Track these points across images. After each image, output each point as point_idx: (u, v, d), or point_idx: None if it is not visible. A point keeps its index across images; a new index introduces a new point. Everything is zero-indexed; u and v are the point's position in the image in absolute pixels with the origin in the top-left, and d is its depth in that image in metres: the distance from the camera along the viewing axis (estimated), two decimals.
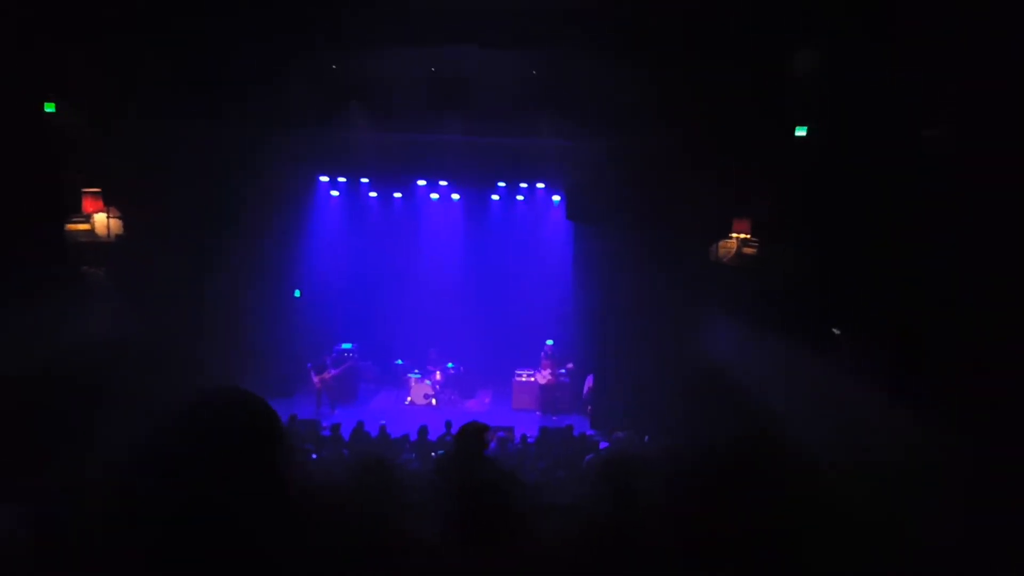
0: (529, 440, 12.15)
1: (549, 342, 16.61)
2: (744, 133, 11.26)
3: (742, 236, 12.59)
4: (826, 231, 9.41)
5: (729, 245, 12.85)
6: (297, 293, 17.65)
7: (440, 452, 11.03)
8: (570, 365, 16.92)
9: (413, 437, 11.89)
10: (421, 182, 18.24)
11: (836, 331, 9.19)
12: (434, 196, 18.66)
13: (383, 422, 12.61)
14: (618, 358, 14.41)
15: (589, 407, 15.80)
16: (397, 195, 18.72)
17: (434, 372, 17.32)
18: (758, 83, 10.72)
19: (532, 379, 16.89)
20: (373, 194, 18.64)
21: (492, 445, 11.43)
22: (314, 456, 9.85)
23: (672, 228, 13.08)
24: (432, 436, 11.88)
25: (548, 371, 16.43)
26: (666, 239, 13.21)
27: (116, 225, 10.78)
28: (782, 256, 10.81)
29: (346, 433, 12.01)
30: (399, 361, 18.21)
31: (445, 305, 18.64)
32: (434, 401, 16.92)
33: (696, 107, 11.61)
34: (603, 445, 11.37)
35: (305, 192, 17.48)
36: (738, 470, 2.16)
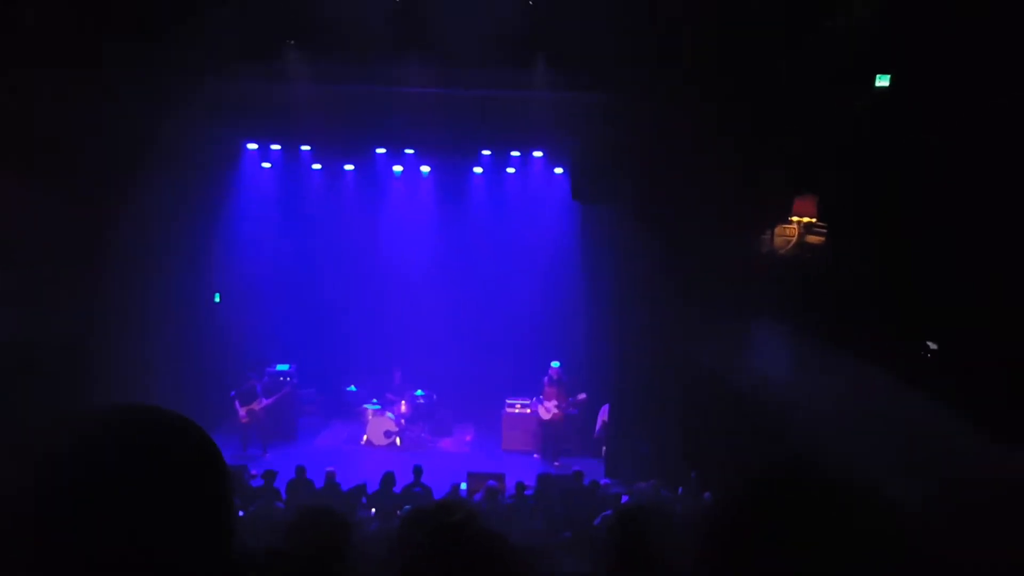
0: (526, 491, 12.19)
1: (555, 364, 16.62)
2: (803, 89, 11.36)
3: (805, 220, 12.69)
4: (917, 218, 9.52)
5: (788, 232, 12.95)
6: (217, 297, 17.63)
7: (407, 508, 11.05)
8: (582, 396, 16.87)
9: (372, 488, 11.91)
10: (380, 150, 18.28)
11: (932, 346, 9.29)
12: (397, 169, 18.68)
13: (331, 468, 12.60)
14: (642, 383, 14.49)
15: (603, 448, 15.86)
16: (349, 167, 18.75)
17: (398, 402, 17.35)
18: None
19: (528, 411, 16.93)
20: (317, 166, 18.67)
21: (477, 496, 11.52)
22: (240, 513, 9.87)
23: (713, 211, 13.16)
24: (397, 487, 11.90)
25: (554, 402, 16.43)
26: (704, 226, 13.28)
27: None
28: (857, 248, 10.91)
29: (282, 482, 12.01)
30: (352, 388, 18.23)
31: (413, 313, 18.68)
32: (398, 440, 16.94)
33: (741, 54, 11.71)
34: (624, 499, 11.42)
35: (227, 163, 17.47)
36: (800, 540, 2.23)
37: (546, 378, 16.63)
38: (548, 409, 16.50)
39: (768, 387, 11.85)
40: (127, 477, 1.24)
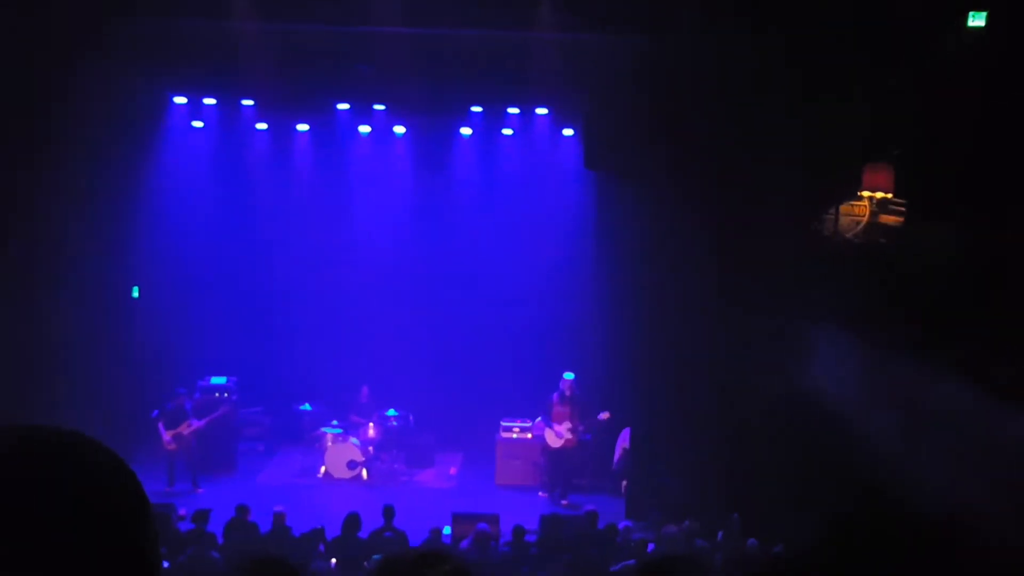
0: (526, 537, 12.22)
1: (568, 376, 16.61)
2: (883, 26, 11.38)
3: (879, 196, 12.73)
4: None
5: (857, 211, 12.99)
6: (135, 292, 17.60)
7: (376, 558, 11.08)
8: (605, 414, 16.87)
9: (332, 532, 11.92)
10: (342, 106, 18.28)
11: None
12: (364, 129, 18.68)
13: (279, 508, 12.64)
14: (672, 402, 14.53)
15: (623, 482, 15.89)
16: (302, 127, 18.75)
17: (365, 425, 17.37)
18: None
19: (529, 435, 16.95)
20: (262, 125, 18.67)
21: (464, 544, 11.55)
22: (166, 565, 9.87)
23: (766, 185, 13.18)
24: (364, 531, 11.92)
25: (567, 424, 16.40)
26: (755, 204, 13.30)
27: None
28: (945, 232, 10.94)
29: (218, 524, 12.01)
30: (306, 406, 18.24)
31: (385, 313, 18.70)
32: (365, 473, 16.97)
33: None
34: (651, 548, 11.44)
35: (147, 121, 17.45)
36: None
37: (556, 395, 16.52)
38: (560, 434, 16.44)
39: (833, 408, 11.88)
40: (11, 520, 1.20)
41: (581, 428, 16.63)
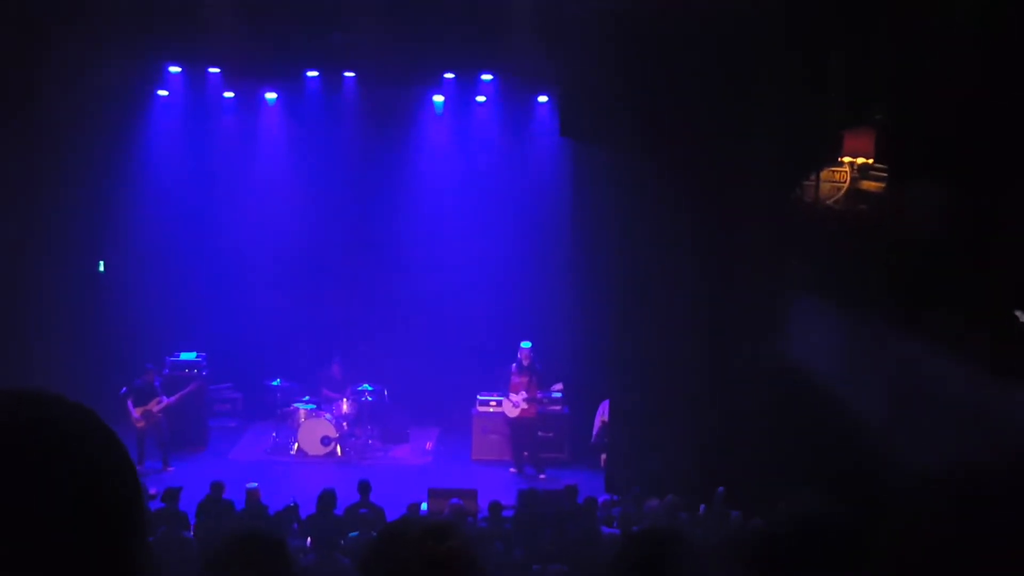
0: (503, 512, 12.22)
1: (525, 344, 16.68)
2: None
3: (860, 162, 12.72)
4: (1012, 157, 9.54)
5: (838, 177, 12.99)
6: (101, 266, 17.44)
7: (355, 535, 11.05)
8: (559, 385, 17.06)
9: (306, 510, 11.87)
10: (312, 73, 18.14)
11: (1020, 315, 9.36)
12: (334, 97, 18.55)
13: (253, 484, 12.60)
14: (653, 373, 14.54)
15: (603, 455, 15.92)
16: (271, 96, 18.60)
17: (338, 400, 17.32)
18: None
19: (502, 408, 16.97)
20: (229, 94, 18.51)
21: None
22: None
23: (742, 151, 13.15)
24: (339, 508, 11.88)
25: (522, 394, 16.47)
26: (737, 171, 13.28)
27: None
28: (927, 199, 10.94)
29: (189, 503, 11.95)
30: (277, 382, 18.16)
31: (357, 286, 18.63)
32: (339, 449, 16.93)
33: None
34: (636, 528, 11.46)
35: (111, 90, 17.22)
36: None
37: (514, 364, 16.59)
38: (516, 403, 16.48)
39: (818, 380, 11.90)
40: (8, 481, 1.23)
41: (544, 398, 16.70)
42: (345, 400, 17.28)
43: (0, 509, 1.21)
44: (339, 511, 11.87)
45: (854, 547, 2.33)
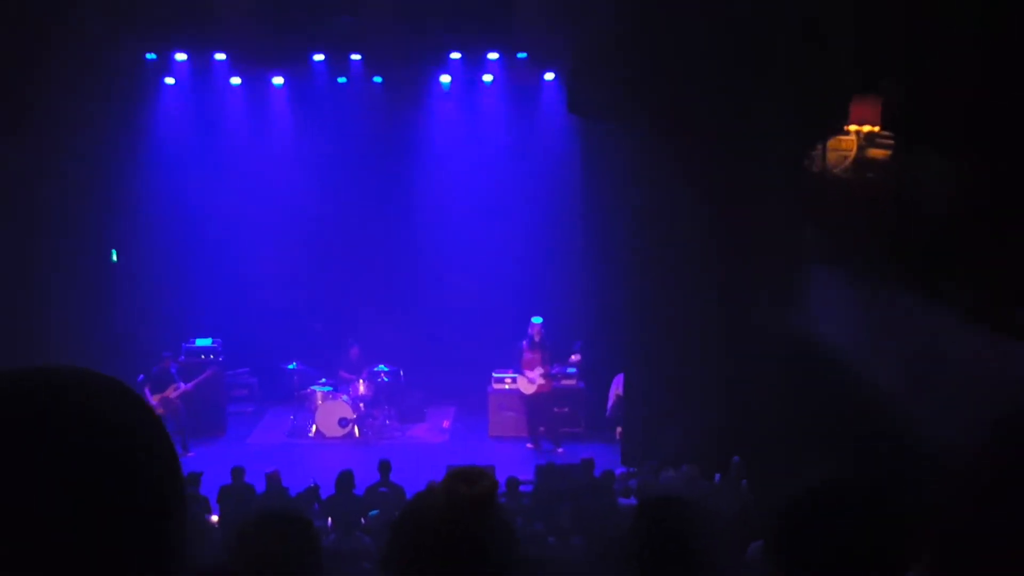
0: (522, 487, 12.30)
1: (536, 320, 16.74)
2: None
3: (867, 130, 12.69)
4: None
5: (844, 145, 12.96)
6: (114, 255, 17.49)
7: (375, 514, 11.15)
8: (575, 356, 17.10)
9: (326, 491, 11.98)
10: (318, 57, 18.13)
11: None
12: (341, 80, 18.56)
13: (272, 468, 12.68)
14: (664, 345, 14.58)
15: (619, 428, 16.00)
16: (278, 80, 18.59)
17: (355, 381, 17.40)
18: None
19: (517, 385, 17.03)
20: (236, 80, 18.50)
21: None
22: None
23: (748, 121, 13.14)
24: (359, 488, 11.97)
25: (537, 370, 16.53)
26: (738, 141, 13.27)
27: None
28: (939, 166, 10.92)
29: (211, 487, 12.06)
30: (293, 365, 18.24)
31: (370, 268, 18.66)
32: (357, 430, 17.01)
33: None
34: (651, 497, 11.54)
35: (120, 80, 17.25)
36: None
37: (525, 341, 16.65)
38: (532, 379, 16.57)
39: (833, 351, 11.90)
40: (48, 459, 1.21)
41: (559, 372, 16.76)
42: (361, 381, 17.34)
43: (39, 487, 1.19)
44: (359, 491, 11.97)
45: (873, 517, 2.37)
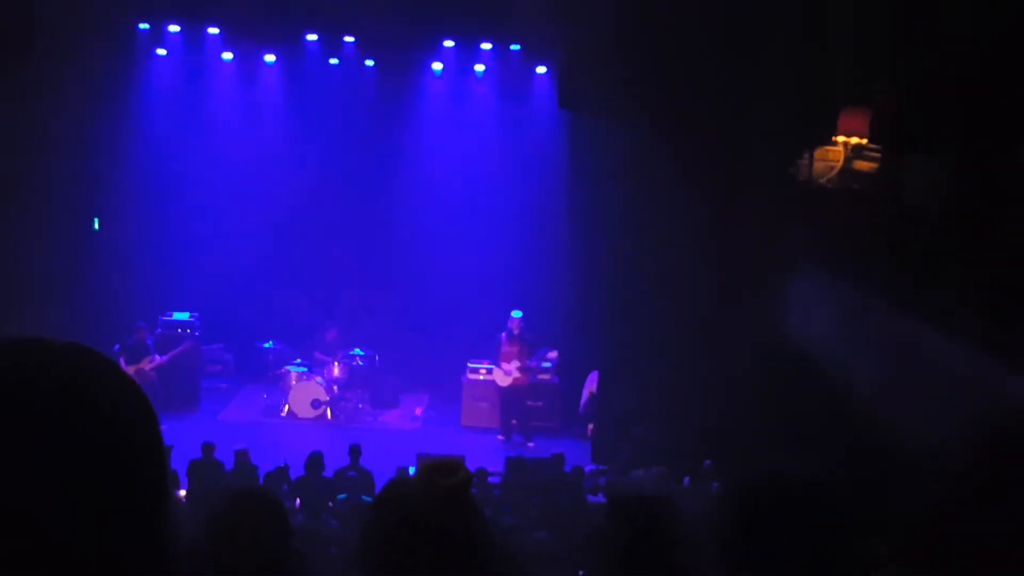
0: (490, 479, 12.31)
1: (516, 314, 16.76)
2: None
3: (854, 141, 12.73)
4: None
5: (831, 156, 13.00)
6: (96, 223, 17.42)
7: (343, 497, 11.14)
8: (552, 353, 17.14)
9: (296, 472, 11.96)
10: (311, 37, 18.07)
11: None
12: (334, 61, 18.51)
13: (242, 446, 12.67)
14: (641, 344, 14.60)
15: (590, 426, 16.02)
16: (269, 58, 18.51)
17: (330, 364, 17.38)
18: None
19: (493, 377, 17.04)
20: (228, 55, 18.43)
21: None
22: None
23: (740, 121, 13.16)
24: (328, 470, 11.96)
25: (514, 363, 16.55)
26: (728, 141, 13.30)
27: None
28: (927, 174, 10.96)
29: (181, 462, 12.03)
30: (268, 344, 18.21)
31: (351, 250, 18.63)
32: (329, 412, 17.00)
33: None
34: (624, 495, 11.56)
35: (107, 48, 17.15)
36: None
37: (504, 333, 16.64)
38: (508, 372, 16.57)
39: (816, 355, 11.93)
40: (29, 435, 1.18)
41: (535, 367, 16.78)
42: (336, 364, 17.33)
43: (21, 465, 1.17)
44: (328, 473, 11.96)
45: (830, 506, 2.35)
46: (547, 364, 17.19)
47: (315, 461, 11.82)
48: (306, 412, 16.90)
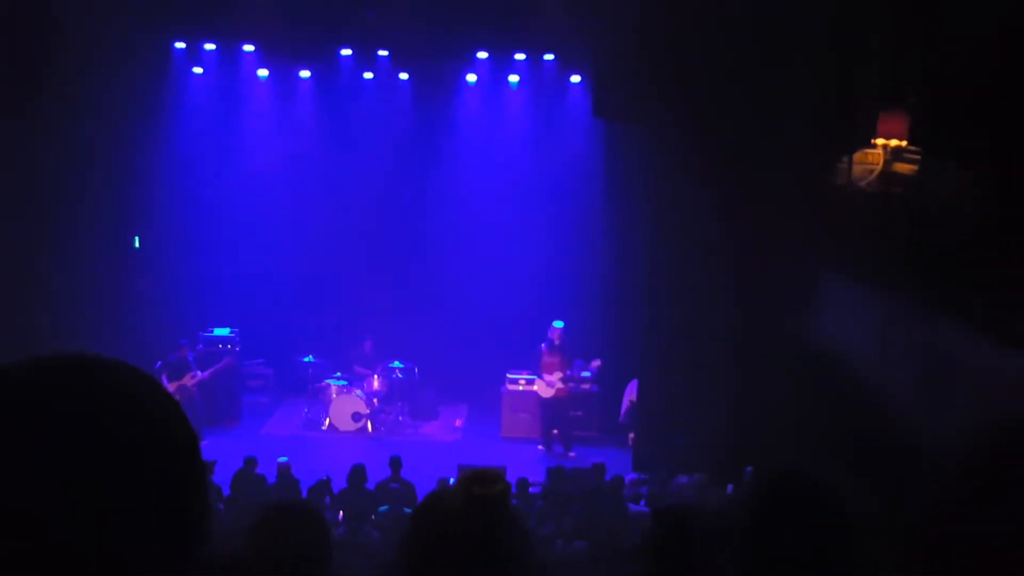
0: (531, 489, 12.27)
1: (557, 324, 16.71)
2: None
3: (893, 144, 12.64)
4: None
5: (871, 159, 12.91)
6: (136, 242, 17.56)
7: (385, 509, 11.14)
8: (596, 362, 17.11)
9: (337, 484, 11.97)
10: (345, 51, 18.15)
11: None
12: (368, 75, 18.58)
13: (284, 458, 12.72)
14: (682, 353, 14.53)
15: (631, 434, 15.96)
16: (304, 74, 18.63)
17: (369, 377, 17.41)
18: None
19: (534, 388, 17.01)
20: (263, 72, 18.55)
21: None
22: None
23: (773, 128, 13.11)
24: (370, 482, 11.98)
25: (556, 374, 16.52)
26: (762, 148, 13.23)
27: None
28: (967, 181, 10.86)
29: (224, 476, 12.08)
30: (308, 358, 18.28)
31: (388, 264, 18.66)
32: (370, 425, 17.03)
33: None
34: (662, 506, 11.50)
35: (148, 68, 17.31)
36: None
37: (544, 344, 16.59)
38: (550, 383, 16.54)
39: (849, 361, 11.85)
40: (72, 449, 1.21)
41: (576, 377, 16.73)
42: (376, 377, 17.37)
43: (62, 478, 1.19)
44: (370, 486, 11.98)
45: (839, 508, 2.35)
46: (587, 374, 17.15)
47: (358, 474, 11.85)
48: (347, 425, 16.94)
